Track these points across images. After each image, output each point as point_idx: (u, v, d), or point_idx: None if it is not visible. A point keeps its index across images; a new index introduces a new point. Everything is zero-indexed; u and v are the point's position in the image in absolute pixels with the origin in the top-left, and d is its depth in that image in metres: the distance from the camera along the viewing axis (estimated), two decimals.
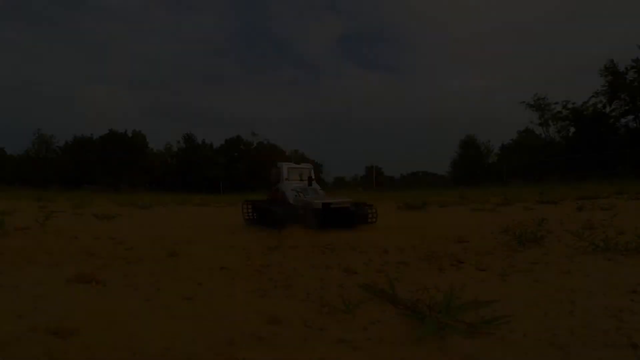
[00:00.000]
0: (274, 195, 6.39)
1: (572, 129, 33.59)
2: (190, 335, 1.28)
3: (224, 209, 11.21)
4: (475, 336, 1.23)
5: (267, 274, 2.31)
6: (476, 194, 15.64)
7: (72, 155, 50.89)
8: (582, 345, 1.14)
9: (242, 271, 2.37)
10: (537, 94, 36.65)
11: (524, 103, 37.61)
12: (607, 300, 1.56)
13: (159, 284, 1.96)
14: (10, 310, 1.42)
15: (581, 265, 2.23)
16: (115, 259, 2.60)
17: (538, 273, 2.12)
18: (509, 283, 1.95)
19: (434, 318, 1.32)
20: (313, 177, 6.29)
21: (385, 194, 21.55)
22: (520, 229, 3.25)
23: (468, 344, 1.18)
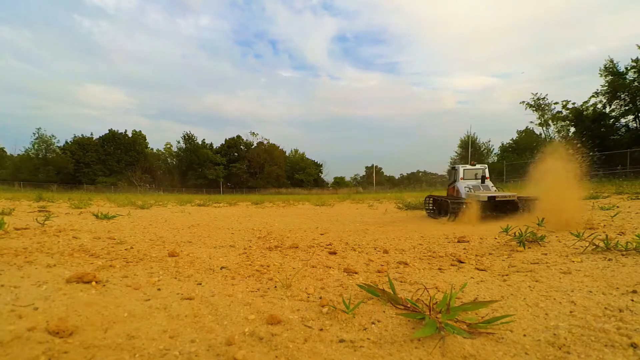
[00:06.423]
0: (451, 192, 7.94)
1: (572, 129, 33.57)
2: (190, 335, 1.28)
3: (224, 209, 11.21)
4: (475, 336, 1.24)
5: (267, 274, 2.30)
6: None
7: (72, 155, 50.84)
8: (582, 345, 1.14)
9: (242, 271, 2.37)
10: (537, 94, 36.64)
11: (524, 103, 37.60)
12: (607, 300, 1.56)
13: (159, 284, 1.96)
14: (10, 310, 1.42)
15: (581, 265, 2.23)
16: (115, 259, 2.60)
17: (538, 273, 2.12)
18: (509, 283, 1.95)
19: (434, 318, 1.32)
20: (487, 176, 7.57)
21: (385, 193, 21.54)
22: (521, 229, 3.25)
23: (468, 344, 1.18)
